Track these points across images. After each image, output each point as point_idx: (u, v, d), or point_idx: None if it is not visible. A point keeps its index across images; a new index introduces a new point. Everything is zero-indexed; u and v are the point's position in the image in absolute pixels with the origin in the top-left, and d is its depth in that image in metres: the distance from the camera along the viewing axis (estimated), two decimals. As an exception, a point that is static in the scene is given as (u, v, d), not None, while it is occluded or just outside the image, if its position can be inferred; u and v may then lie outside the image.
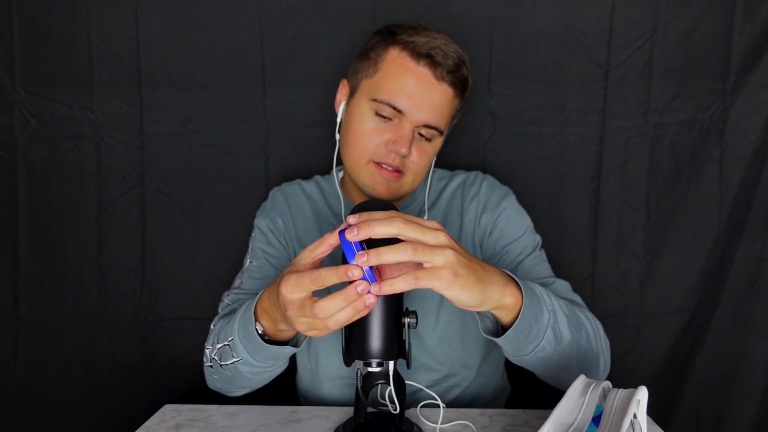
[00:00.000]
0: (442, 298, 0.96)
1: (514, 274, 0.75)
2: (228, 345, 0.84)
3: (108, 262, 1.29)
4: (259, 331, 0.78)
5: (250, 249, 1.07)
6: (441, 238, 0.64)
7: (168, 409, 0.94)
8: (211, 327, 0.94)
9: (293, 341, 0.82)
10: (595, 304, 1.28)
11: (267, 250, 1.04)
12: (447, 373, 1.01)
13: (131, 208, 1.28)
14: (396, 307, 0.76)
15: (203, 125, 1.27)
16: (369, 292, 0.63)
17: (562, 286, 0.97)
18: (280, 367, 0.88)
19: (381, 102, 0.91)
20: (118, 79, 1.25)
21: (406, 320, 0.76)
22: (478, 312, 0.77)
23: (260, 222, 1.08)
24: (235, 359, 0.83)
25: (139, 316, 1.30)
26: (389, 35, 0.93)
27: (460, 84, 0.93)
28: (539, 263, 0.99)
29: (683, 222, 1.27)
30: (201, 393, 1.29)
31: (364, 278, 0.62)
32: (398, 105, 0.90)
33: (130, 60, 1.25)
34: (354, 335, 0.76)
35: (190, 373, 1.30)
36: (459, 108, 0.98)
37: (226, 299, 1.01)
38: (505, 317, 0.74)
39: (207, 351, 0.91)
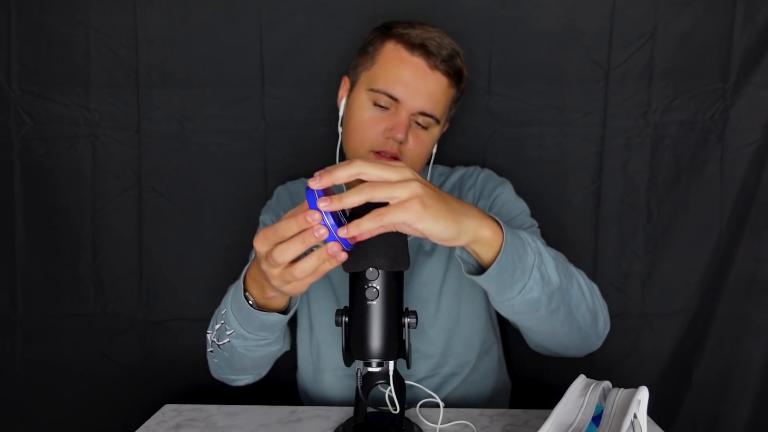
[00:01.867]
0: (442, 283, 0.99)
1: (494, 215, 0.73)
2: (223, 323, 0.85)
3: (105, 263, 1.29)
4: (249, 302, 0.79)
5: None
6: (405, 173, 0.63)
7: (168, 409, 0.94)
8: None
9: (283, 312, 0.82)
10: (596, 305, 1.28)
11: None
12: (446, 361, 1.02)
13: (128, 208, 1.28)
14: (396, 307, 0.76)
15: (201, 125, 1.26)
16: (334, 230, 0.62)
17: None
18: (273, 343, 0.88)
19: (378, 91, 0.94)
20: (115, 78, 1.25)
21: (406, 320, 0.76)
22: (460, 257, 0.75)
23: (265, 218, 1.10)
24: (229, 333, 0.84)
25: (137, 316, 1.29)
26: (386, 30, 0.97)
27: (454, 74, 0.96)
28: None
29: (684, 222, 1.27)
30: (201, 393, 1.29)
31: (323, 223, 0.62)
32: (394, 93, 0.93)
33: (127, 59, 1.24)
34: (354, 335, 0.76)
35: (189, 373, 1.29)
36: (455, 98, 1.00)
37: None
38: (485, 254, 0.71)
39: (208, 336, 0.92)
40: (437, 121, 0.97)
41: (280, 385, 1.14)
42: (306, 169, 1.21)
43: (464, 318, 1.02)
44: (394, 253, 0.75)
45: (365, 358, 0.75)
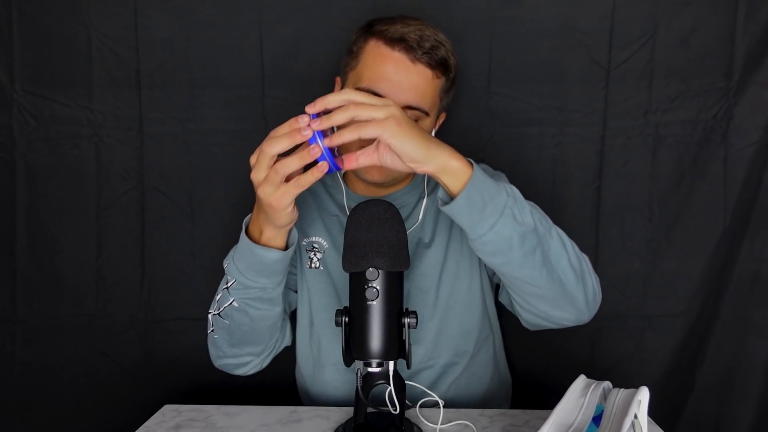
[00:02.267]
0: (441, 272, 1.01)
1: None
2: (225, 288, 0.89)
3: (107, 263, 1.29)
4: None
5: None
6: (387, 101, 0.74)
7: (168, 409, 0.94)
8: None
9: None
10: (596, 305, 1.28)
11: None
12: (444, 350, 1.02)
13: (130, 208, 1.28)
14: (396, 307, 0.76)
15: (202, 125, 1.26)
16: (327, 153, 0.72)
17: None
18: (273, 302, 0.91)
19: (363, 90, 0.94)
20: (117, 78, 1.25)
21: (406, 320, 0.76)
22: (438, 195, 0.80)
23: None
24: (230, 285, 0.88)
25: (138, 316, 1.29)
26: (367, 28, 0.98)
27: (437, 64, 0.95)
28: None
29: (686, 222, 1.26)
30: (201, 393, 1.29)
31: (313, 141, 0.72)
32: (379, 90, 0.93)
33: (129, 60, 1.24)
34: (354, 335, 0.76)
35: (190, 373, 1.29)
36: (445, 88, 1.00)
37: None
38: (454, 186, 0.76)
39: (209, 316, 0.94)
40: (426, 113, 0.97)
41: (280, 386, 1.14)
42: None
43: (460, 307, 1.03)
44: (394, 253, 0.75)
45: (365, 358, 0.75)
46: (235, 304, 0.89)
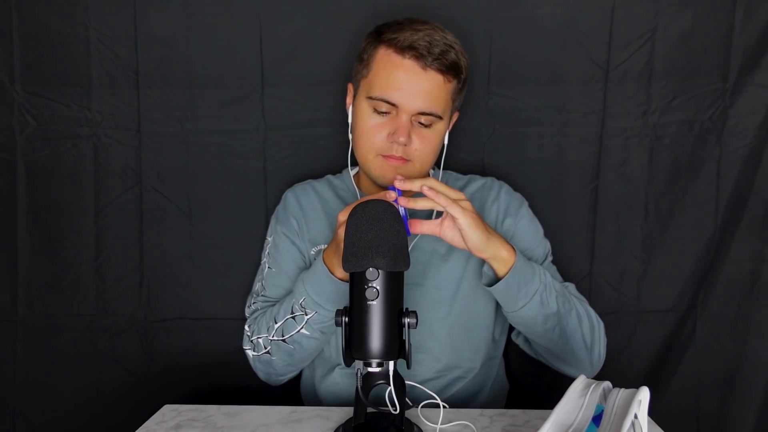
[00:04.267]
0: (457, 289, 1.03)
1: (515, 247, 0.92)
2: (296, 314, 0.95)
3: (106, 263, 1.28)
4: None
5: (267, 252, 1.11)
6: (461, 194, 0.88)
7: (168, 409, 0.94)
8: (247, 328, 1.05)
9: None
10: (592, 301, 1.26)
11: (284, 255, 1.08)
12: (453, 365, 1.03)
13: (129, 208, 1.28)
14: (396, 307, 0.76)
15: (201, 125, 1.26)
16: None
17: (571, 287, 1.07)
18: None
19: (375, 99, 0.97)
20: (116, 78, 1.25)
21: (406, 320, 0.76)
22: (485, 272, 0.94)
23: (276, 227, 1.11)
24: (309, 317, 0.94)
25: (138, 316, 1.29)
26: (377, 35, 0.99)
27: (448, 69, 0.96)
28: (549, 269, 1.08)
29: (681, 222, 1.27)
30: (201, 393, 1.29)
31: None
32: (391, 99, 0.95)
33: (128, 59, 1.24)
34: (354, 335, 0.76)
35: (190, 373, 1.30)
36: (457, 90, 1.01)
37: (253, 305, 1.08)
38: (500, 270, 0.91)
39: (260, 340, 1.00)
40: (440, 117, 0.98)
41: (280, 386, 1.14)
42: (306, 169, 1.22)
43: (474, 326, 1.05)
44: (394, 253, 0.75)
45: (365, 358, 0.75)
46: (305, 331, 0.95)
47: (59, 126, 1.26)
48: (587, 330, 0.99)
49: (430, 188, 0.86)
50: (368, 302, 0.74)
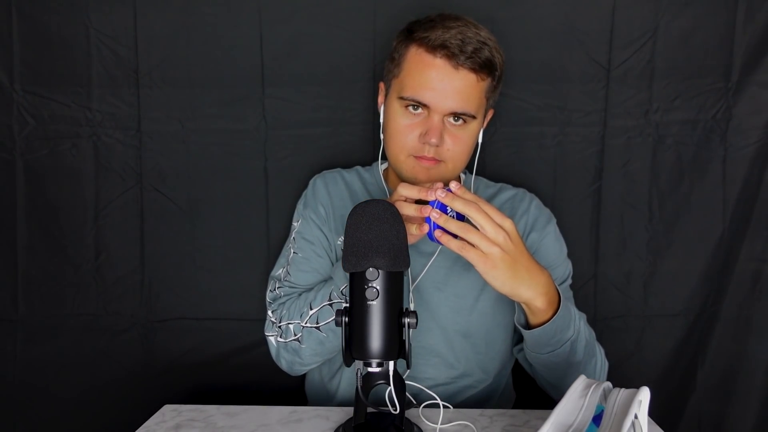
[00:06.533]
0: (477, 299, 1.02)
1: (560, 290, 0.87)
2: (329, 305, 0.93)
3: (107, 262, 1.28)
4: None
5: (292, 238, 1.08)
6: (499, 235, 0.80)
7: (168, 409, 0.94)
8: (271, 314, 1.02)
9: None
10: (597, 305, 1.28)
11: (312, 241, 1.06)
12: (465, 373, 1.03)
13: (129, 208, 1.28)
14: (396, 307, 0.76)
15: (202, 124, 1.26)
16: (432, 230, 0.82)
17: (582, 318, 1.02)
18: None
19: (407, 99, 0.95)
20: (116, 78, 1.25)
21: (406, 320, 0.76)
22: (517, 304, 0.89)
23: (304, 212, 1.09)
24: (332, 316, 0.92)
25: (138, 316, 1.29)
26: (408, 34, 0.97)
27: (481, 67, 0.94)
28: (566, 293, 1.05)
29: (686, 222, 1.26)
30: (201, 393, 1.29)
31: (428, 221, 0.82)
32: (423, 99, 0.93)
33: (128, 59, 1.24)
34: (354, 335, 0.76)
35: (190, 373, 1.30)
36: (491, 88, 0.98)
37: (278, 290, 1.05)
38: (532, 319, 0.87)
39: (291, 326, 0.97)
40: (473, 116, 0.96)
41: (280, 386, 1.14)
42: (306, 170, 1.22)
43: (491, 339, 1.04)
44: (394, 253, 0.75)
45: (365, 358, 0.75)
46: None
47: (59, 126, 1.26)
48: (592, 372, 0.97)
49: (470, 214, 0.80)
50: (368, 302, 0.74)
